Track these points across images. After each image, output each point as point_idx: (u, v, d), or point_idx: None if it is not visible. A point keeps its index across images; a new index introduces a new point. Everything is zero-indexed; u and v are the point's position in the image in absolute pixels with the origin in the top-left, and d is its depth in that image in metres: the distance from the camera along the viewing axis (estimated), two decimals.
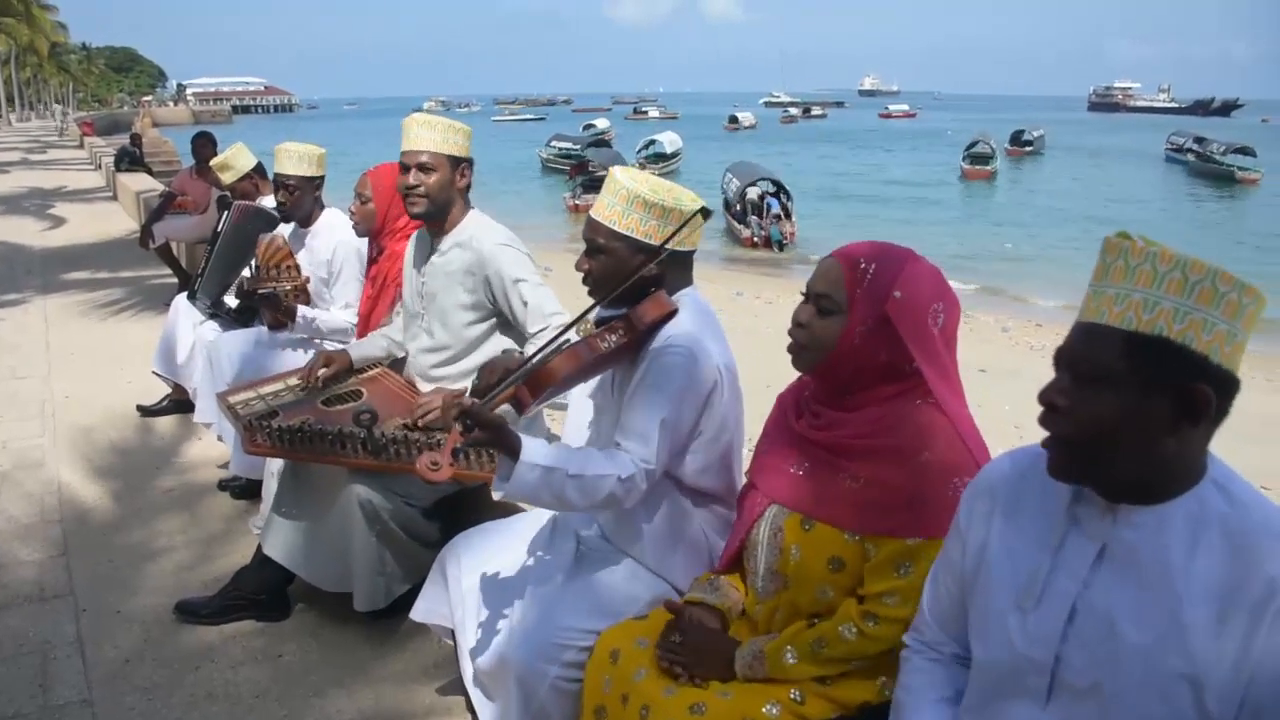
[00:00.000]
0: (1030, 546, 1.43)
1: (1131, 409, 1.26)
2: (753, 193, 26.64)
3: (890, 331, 1.77)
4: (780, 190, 27.04)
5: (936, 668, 1.64)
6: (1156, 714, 1.29)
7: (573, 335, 2.14)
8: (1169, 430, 1.26)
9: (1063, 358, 1.33)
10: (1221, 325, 1.25)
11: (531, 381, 2.02)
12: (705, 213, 2.15)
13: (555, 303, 3.05)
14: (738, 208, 25.97)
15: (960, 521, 1.57)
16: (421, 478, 1.87)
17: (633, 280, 2.14)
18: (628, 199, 2.15)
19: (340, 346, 3.52)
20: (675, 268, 2.23)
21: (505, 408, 2.04)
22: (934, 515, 1.72)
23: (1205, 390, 1.24)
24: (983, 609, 1.50)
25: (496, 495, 2.02)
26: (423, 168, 3.04)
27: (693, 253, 2.28)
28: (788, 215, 25.95)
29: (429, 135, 3.05)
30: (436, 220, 3.13)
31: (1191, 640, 1.26)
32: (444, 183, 3.05)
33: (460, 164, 3.08)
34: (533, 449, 1.98)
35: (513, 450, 1.96)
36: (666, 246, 2.14)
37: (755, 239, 24.55)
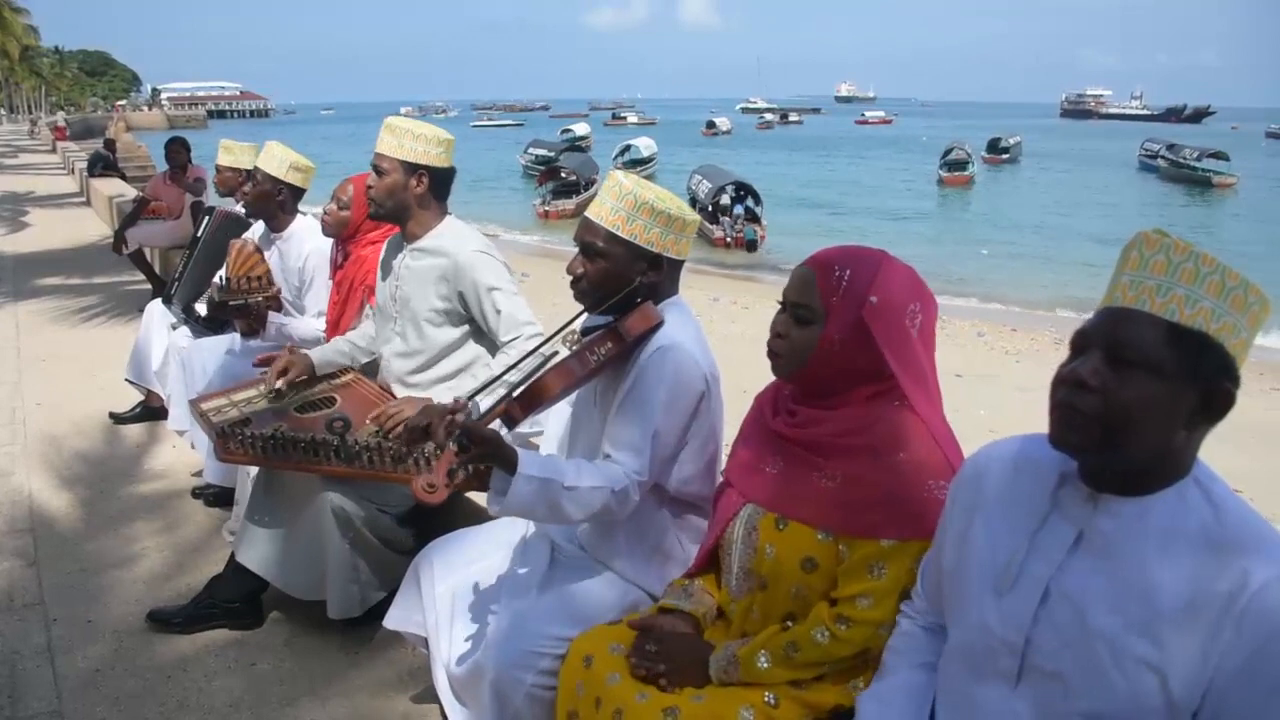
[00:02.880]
0: (1011, 532, 1.46)
1: (1164, 396, 1.28)
2: (725, 196, 26.92)
3: (867, 336, 1.78)
4: (749, 193, 27.33)
5: (924, 634, 1.68)
6: (1122, 698, 1.31)
7: (560, 346, 2.13)
8: (1186, 424, 1.29)
9: (1094, 339, 1.33)
10: (1245, 334, 1.30)
11: (524, 397, 2.02)
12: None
13: (528, 312, 3.04)
14: (709, 209, 26.11)
15: (947, 512, 1.61)
16: (418, 500, 1.85)
17: (627, 290, 2.15)
18: (634, 204, 2.12)
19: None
20: (671, 278, 2.24)
21: (495, 424, 2.04)
22: (908, 516, 1.73)
23: (1231, 391, 1.28)
24: (960, 592, 1.53)
25: (494, 510, 2.01)
26: (376, 170, 3.07)
27: (683, 263, 2.27)
28: (757, 218, 26.19)
29: (388, 139, 3.06)
30: (391, 222, 3.16)
31: (1160, 630, 1.28)
32: (393, 187, 3.05)
33: (417, 170, 3.07)
34: (529, 461, 1.97)
35: (509, 464, 1.94)
36: (667, 256, 2.15)
37: (728, 239, 24.71)
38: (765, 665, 1.82)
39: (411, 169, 3.06)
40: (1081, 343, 1.35)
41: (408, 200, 3.08)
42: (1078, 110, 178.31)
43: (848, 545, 1.79)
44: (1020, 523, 1.45)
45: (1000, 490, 1.51)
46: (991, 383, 10.47)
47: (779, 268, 21.56)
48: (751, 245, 24.70)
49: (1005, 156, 57.94)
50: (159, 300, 5.21)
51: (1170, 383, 1.27)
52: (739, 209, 26.49)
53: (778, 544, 1.86)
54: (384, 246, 3.36)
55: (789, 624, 1.87)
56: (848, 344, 1.79)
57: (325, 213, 3.72)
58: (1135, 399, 1.28)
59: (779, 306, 1.90)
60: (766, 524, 1.89)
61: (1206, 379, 1.28)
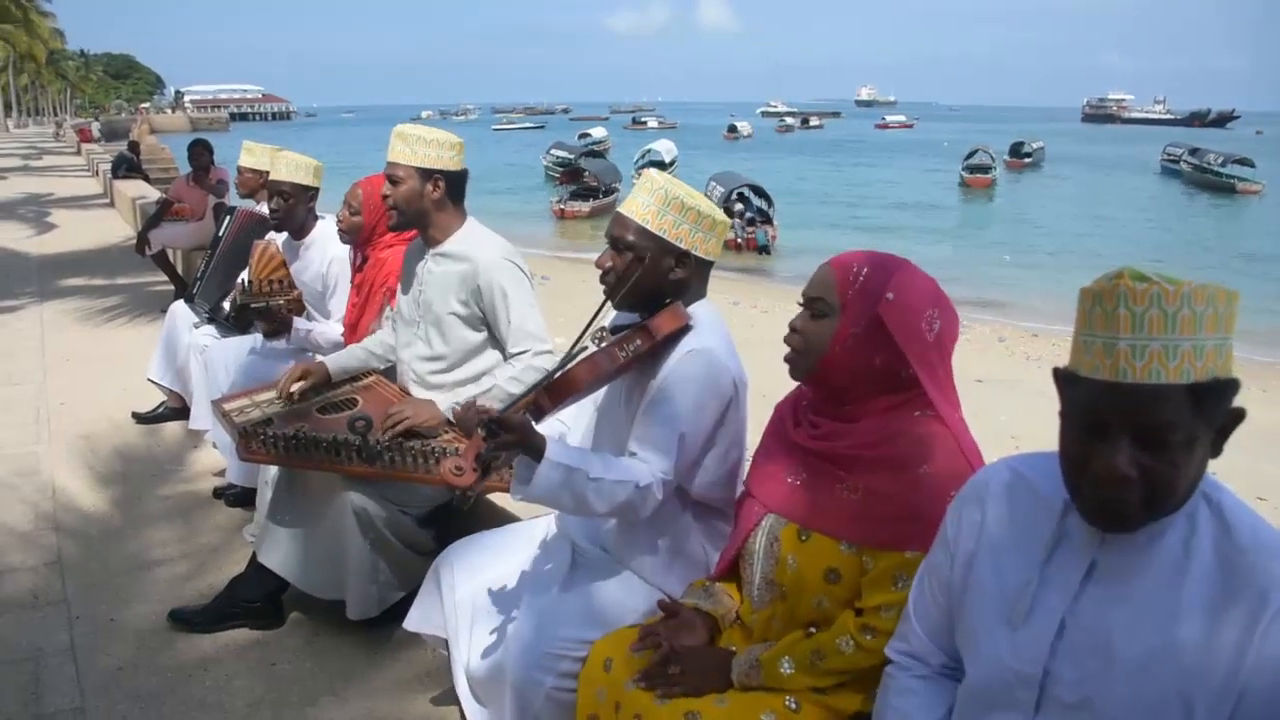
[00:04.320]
0: (1019, 560, 1.43)
1: (1197, 452, 1.25)
2: (738, 199, 27.07)
3: (883, 334, 1.77)
4: (762, 196, 27.37)
5: (924, 686, 1.63)
6: None
7: (589, 343, 2.14)
8: (1209, 455, 1.27)
9: (1115, 421, 1.26)
10: (1230, 343, 1.26)
11: (552, 389, 2.03)
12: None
13: (540, 326, 3.05)
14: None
15: (948, 530, 1.56)
16: (445, 483, 1.88)
17: (641, 283, 2.15)
18: (664, 199, 2.14)
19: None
20: (700, 278, 2.24)
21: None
22: (932, 528, 1.70)
23: (1241, 408, 1.25)
24: (971, 623, 1.50)
25: (516, 496, 2.01)
26: (392, 179, 3.08)
27: (712, 264, 2.26)
28: (769, 220, 26.21)
29: (400, 147, 3.07)
30: (415, 230, 3.17)
31: (1182, 656, 1.26)
32: (410, 194, 3.06)
33: (432, 175, 3.08)
34: (556, 449, 1.97)
35: (537, 450, 1.95)
36: (695, 254, 2.15)
37: (740, 241, 24.73)
38: (788, 671, 1.81)
39: (426, 175, 3.07)
40: (1099, 425, 1.28)
41: (426, 206, 3.09)
42: (1100, 115, 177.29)
43: (871, 556, 1.78)
44: (1028, 553, 1.43)
45: (1004, 518, 1.48)
46: (1013, 388, 10.42)
47: (800, 275, 21.55)
48: (764, 248, 24.72)
49: (1028, 160, 57.55)
50: (182, 301, 5.25)
51: (1199, 436, 1.24)
52: (750, 212, 26.49)
53: (800, 555, 1.85)
54: (405, 251, 3.37)
55: (812, 631, 1.86)
56: (862, 341, 1.78)
57: (339, 219, 3.73)
58: (1177, 472, 1.25)
59: (800, 307, 1.89)
60: (789, 535, 1.88)
61: (1224, 414, 1.25)
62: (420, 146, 3.06)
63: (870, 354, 1.79)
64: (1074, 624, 1.36)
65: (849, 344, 1.79)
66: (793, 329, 1.87)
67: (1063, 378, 1.34)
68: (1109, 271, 1.30)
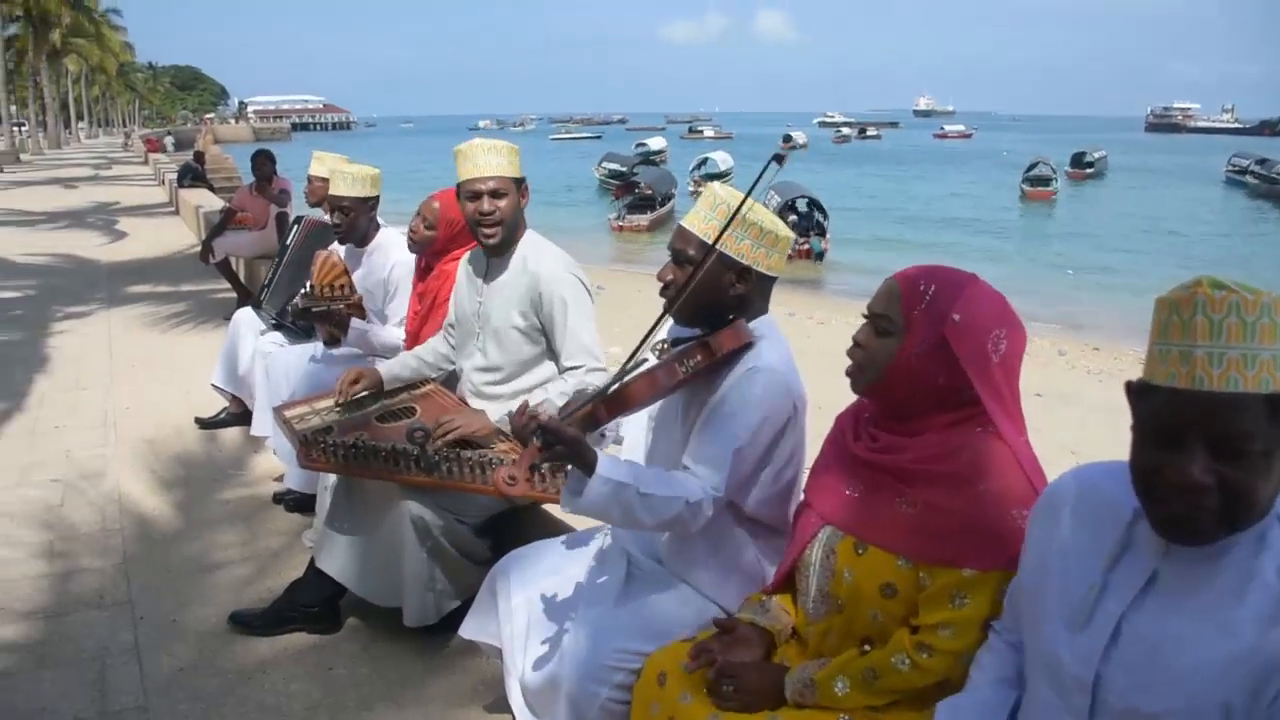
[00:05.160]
0: (1085, 567, 1.43)
1: (1275, 463, 1.23)
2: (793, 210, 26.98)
3: (948, 355, 1.75)
4: (817, 207, 27.26)
5: (1009, 649, 1.65)
6: None
7: (648, 355, 2.13)
8: None
9: (1190, 431, 1.24)
10: None
11: (610, 402, 2.03)
12: (779, 159, 2.02)
13: (597, 345, 3.05)
14: None
15: (1028, 535, 1.58)
16: (497, 491, 1.89)
17: (701, 298, 2.13)
18: (727, 215, 2.10)
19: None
20: (761, 294, 2.22)
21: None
22: (990, 546, 1.69)
23: None
24: (1035, 619, 1.50)
25: (566, 508, 2.02)
26: (494, 194, 3.03)
27: (775, 280, 2.24)
28: (823, 231, 26.13)
29: (495, 160, 3.04)
30: (510, 242, 3.13)
31: (1234, 675, 1.24)
32: (514, 205, 3.07)
33: (521, 184, 3.10)
34: (608, 463, 1.98)
35: (589, 464, 1.95)
36: (757, 269, 2.14)
37: (793, 251, 24.63)
38: (843, 690, 1.79)
39: (519, 184, 3.09)
40: (1173, 434, 1.25)
41: (521, 217, 3.11)
42: (1164, 124, 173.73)
43: (928, 573, 1.76)
44: (1094, 558, 1.42)
45: (1075, 524, 1.48)
46: (1073, 403, 10.24)
47: (852, 283, 21.39)
48: (819, 256, 24.62)
49: (1090, 171, 56.51)
50: (246, 308, 5.35)
51: (1277, 449, 1.22)
52: (803, 222, 26.38)
53: (856, 569, 1.84)
54: (462, 261, 3.40)
55: (866, 648, 1.85)
56: (926, 360, 1.77)
57: (411, 230, 3.76)
58: (1255, 483, 1.22)
59: (863, 320, 1.88)
60: (845, 548, 1.87)
61: None
62: (510, 156, 3.07)
63: (934, 373, 1.77)
64: (1129, 631, 1.35)
65: (912, 363, 1.78)
66: (856, 343, 1.86)
67: (1136, 390, 1.32)
68: (1186, 281, 1.28)
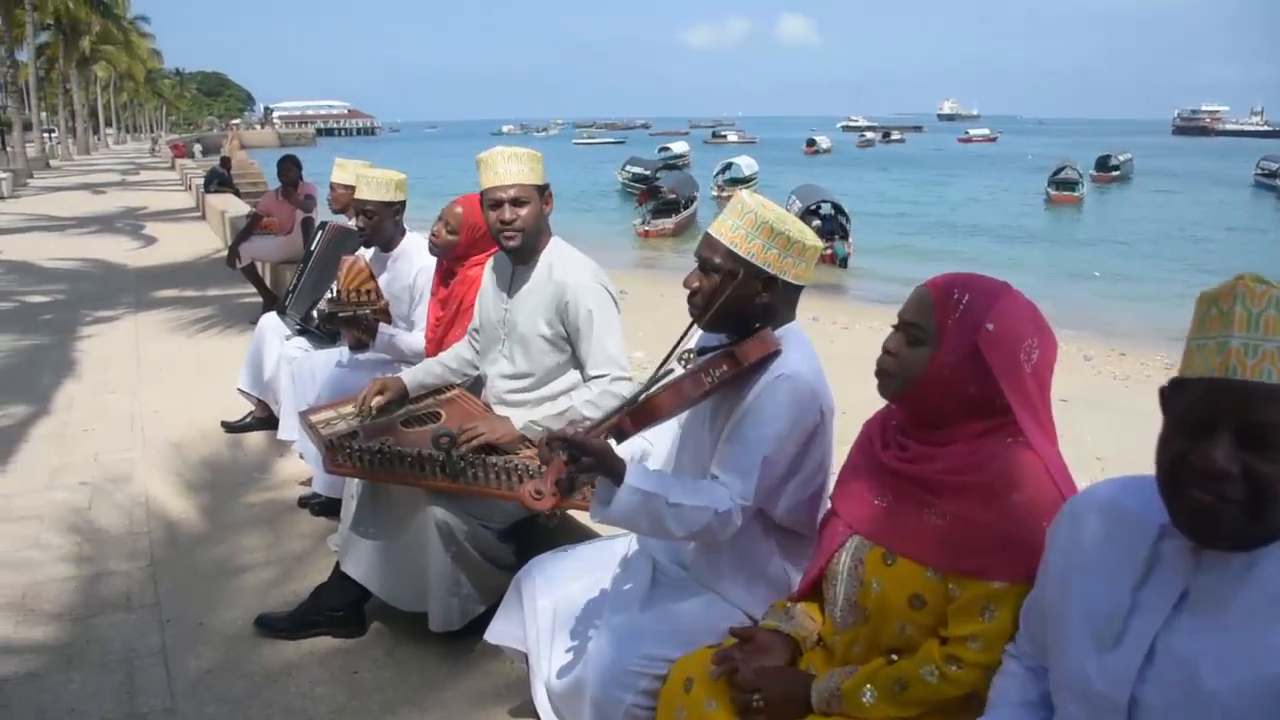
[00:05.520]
0: (1111, 582, 1.40)
1: None
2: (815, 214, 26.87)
3: (980, 364, 1.74)
4: (839, 211, 27.13)
5: (1029, 674, 1.62)
6: None
7: (675, 366, 2.13)
8: None
9: (1220, 421, 1.23)
10: None
11: (636, 413, 2.03)
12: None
13: (623, 354, 3.05)
14: None
15: (1048, 550, 1.55)
16: (524, 505, 1.88)
17: (728, 306, 2.13)
18: (754, 223, 2.11)
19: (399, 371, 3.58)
20: (787, 303, 2.22)
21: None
22: (1021, 558, 1.67)
23: None
24: (1060, 641, 1.47)
25: (594, 518, 2.02)
26: (516, 202, 3.02)
27: (802, 288, 2.24)
28: (845, 234, 26.00)
29: (516, 168, 3.04)
30: (531, 249, 3.13)
31: (1271, 694, 1.22)
32: (536, 213, 3.06)
33: (545, 191, 3.10)
34: (636, 473, 1.98)
35: (617, 474, 1.95)
36: (784, 278, 2.13)
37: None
38: (870, 701, 1.78)
39: (541, 191, 3.09)
40: (1201, 422, 1.25)
41: (544, 224, 3.11)
42: (1191, 127, 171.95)
43: (957, 584, 1.74)
44: (1121, 576, 1.39)
45: (1098, 539, 1.45)
46: (1099, 409, 10.15)
47: (876, 288, 21.32)
48: (843, 262, 24.51)
49: (1115, 174, 56.01)
50: (272, 313, 5.39)
51: None
52: (828, 226, 26.26)
53: (885, 579, 1.82)
54: (487, 267, 3.40)
55: (894, 657, 1.83)
56: (958, 370, 1.75)
57: (432, 234, 3.77)
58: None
59: (893, 329, 1.87)
60: (874, 558, 1.85)
61: None
62: (533, 164, 3.07)
63: (965, 382, 1.76)
64: (1164, 651, 1.32)
65: (944, 372, 1.76)
66: (886, 351, 1.85)
67: (1168, 387, 1.32)
68: (1228, 279, 1.28)
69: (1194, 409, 1.26)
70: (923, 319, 1.79)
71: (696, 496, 2.04)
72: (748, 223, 2.12)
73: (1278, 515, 1.23)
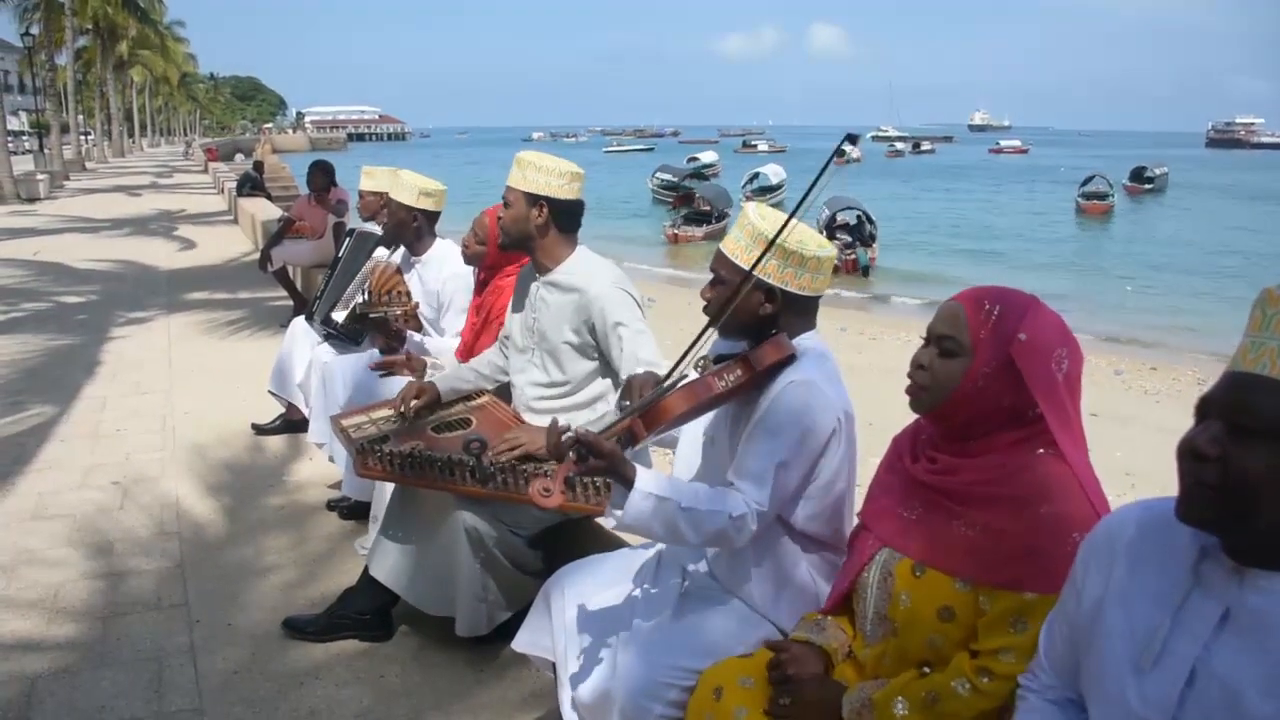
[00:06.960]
0: (1150, 604, 1.38)
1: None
2: (841, 218, 26.80)
3: (1014, 375, 1.73)
4: (866, 219, 27.04)
5: (1053, 709, 1.59)
6: None
7: (690, 370, 2.14)
8: None
9: (1214, 407, 1.26)
10: None
11: (647, 416, 2.03)
12: (852, 139, 2.08)
13: (653, 351, 3.06)
14: (824, 235, 25.77)
15: (1077, 571, 1.52)
16: (532, 503, 1.88)
17: (736, 317, 2.14)
18: (753, 235, 2.17)
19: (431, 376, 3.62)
20: (796, 312, 2.23)
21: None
22: (1051, 570, 1.65)
23: None
24: (1097, 665, 1.44)
25: (609, 524, 2.03)
26: (505, 202, 3.18)
27: (817, 298, 2.26)
28: (871, 241, 25.87)
29: (515, 173, 3.16)
30: (518, 251, 3.27)
31: None
32: (516, 217, 3.15)
33: (538, 201, 3.13)
34: (647, 478, 1.98)
35: (628, 479, 1.96)
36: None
37: (838, 264, 24.35)
38: (902, 712, 1.77)
39: (533, 200, 3.13)
40: (1203, 410, 1.28)
41: (530, 230, 3.15)
42: (1225, 140, 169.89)
43: (988, 596, 1.73)
44: (1161, 597, 1.37)
45: (1135, 559, 1.43)
46: (1129, 423, 10.06)
47: (903, 299, 21.23)
48: (865, 269, 24.37)
49: (1149, 186, 55.35)
50: (303, 316, 5.42)
51: None
52: (848, 236, 26.09)
53: (914, 591, 1.81)
54: (517, 277, 3.43)
55: (925, 669, 1.82)
56: (993, 381, 1.74)
57: (464, 244, 3.88)
58: (1258, 469, 1.20)
59: (922, 341, 1.86)
60: (903, 570, 1.84)
61: None
62: (531, 172, 3.13)
63: (1000, 394, 1.75)
64: (1205, 673, 1.29)
65: (979, 384, 1.75)
66: (919, 365, 1.84)
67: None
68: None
69: (1202, 400, 1.29)
70: (956, 331, 1.78)
71: (710, 501, 2.05)
72: (746, 235, 2.19)
73: (1245, 511, 1.22)
